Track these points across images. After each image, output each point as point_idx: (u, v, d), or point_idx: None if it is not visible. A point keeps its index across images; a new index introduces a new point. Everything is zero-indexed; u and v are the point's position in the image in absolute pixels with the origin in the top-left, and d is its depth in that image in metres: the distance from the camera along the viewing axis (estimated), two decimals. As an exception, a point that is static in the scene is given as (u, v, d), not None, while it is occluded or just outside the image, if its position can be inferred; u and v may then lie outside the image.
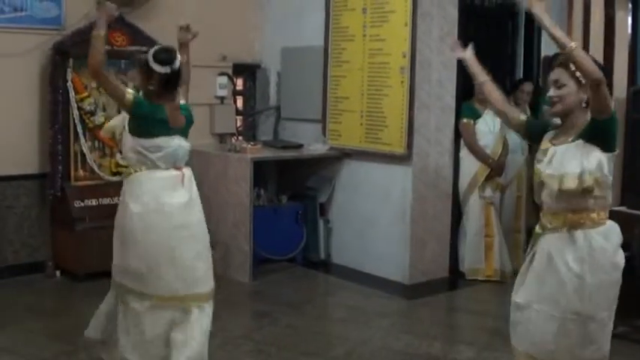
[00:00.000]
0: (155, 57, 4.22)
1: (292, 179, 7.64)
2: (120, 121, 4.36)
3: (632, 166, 5.54)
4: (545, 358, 3.50)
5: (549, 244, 3.49)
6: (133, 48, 6.80)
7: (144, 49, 6.77)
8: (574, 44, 3.25)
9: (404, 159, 6.53)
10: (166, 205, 4.22)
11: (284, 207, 7.41)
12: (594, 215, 3.45)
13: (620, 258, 3.57)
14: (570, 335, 3.45)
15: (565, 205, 3.44)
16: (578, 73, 3.41)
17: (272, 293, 6.52)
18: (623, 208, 5.46)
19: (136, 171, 4.24)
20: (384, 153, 6.70)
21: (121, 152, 4.53)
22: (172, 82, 4.28)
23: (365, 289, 6.63)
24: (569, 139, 3.46)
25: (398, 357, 5.15)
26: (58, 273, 6.71)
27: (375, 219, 6.82)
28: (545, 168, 3.46)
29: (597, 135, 3.38)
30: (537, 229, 3.63)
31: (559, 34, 3.28)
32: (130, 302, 4.23)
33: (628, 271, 5.77)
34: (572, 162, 3.38)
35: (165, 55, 4.25)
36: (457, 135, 6.89)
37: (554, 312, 3.43)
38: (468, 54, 3.91)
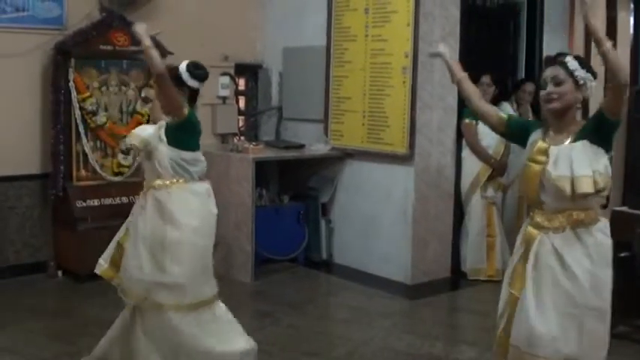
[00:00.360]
0: (192, 72, 4.34)
1: (294, 179, 7.63)
2: (154, 131, 4.34)
3: (634, 166, 5.54)
4: None
5: (556, 244, 3.43)
6: (135, 48, 6.81)
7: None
8: (610, 44, 3.25)
9: (406, 159, 6.53)
10: (212, 216, 4.41)
11: (286, 207, 7.41)
12: (593, 213, 3.45)
13: None
14: (593, 333, 3.41)
15: (571, 204, 3.41)
16: (576, 73, 3.43)
17: (274, 293, 6.51)
18: (624, 208, 5.47)
19: (172, 182, 4.27)
20: (386, 153, 6.69)
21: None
22: (196, 98, 4.44)
23: (367, 289, 6.62)
24: (568, 139, 3.45)
25: (400, 357, 5.15)
26: (59, 273, 6.71)
27: (377, 219, 6.82)
28: (553, 169, 3.40)
29: (603, 134, 3.37)
30: (530, 228, 3.56)
31: (601, 34, 3.27)
32: (159, 316, 4.25)
33: (629, 271, 5.80)
34: (582, 164, 3.34)
35: (202, 72, 4.41)
36: (459, 135, 6.89)
37: (574, 310, 3.37)
38: (443, 48, 3.98)
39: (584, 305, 3.38)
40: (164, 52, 6.84)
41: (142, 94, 6.90)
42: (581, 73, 3.45)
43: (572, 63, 3.47)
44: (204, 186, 4.41)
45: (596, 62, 5.65)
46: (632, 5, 5.73)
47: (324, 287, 7.07)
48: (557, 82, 3.46)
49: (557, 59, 3.51)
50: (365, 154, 6.93)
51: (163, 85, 4.16)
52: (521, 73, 8.24)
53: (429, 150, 6.58)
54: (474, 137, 6.84)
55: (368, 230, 6.92)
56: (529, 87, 7.38)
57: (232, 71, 7.80)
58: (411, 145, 6.47)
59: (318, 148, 7.28)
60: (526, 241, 3.58)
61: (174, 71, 4.35)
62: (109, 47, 6.68)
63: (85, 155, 6.70)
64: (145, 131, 4.36)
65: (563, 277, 3.40)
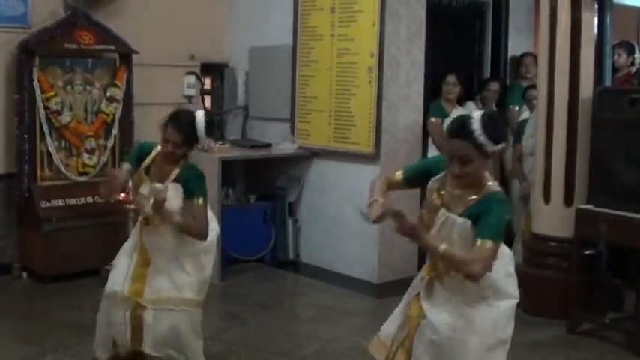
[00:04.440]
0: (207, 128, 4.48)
1: (261, 179, 7.62)
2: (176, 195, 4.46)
3: (598, 166, 5.60)
4: None
5: (453, 286, 3.30)
6: (100, 47, 6.76)
7: (111, 47, 6.80)
8: (444, 246, 3.09)
9: (372, 158, 6.55)
10: None
11: (252, 207, 7.39)
12: None
13: None
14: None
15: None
16: (485, 148, 3.08)
17: (241, 293, 6.49)
18: (589, 207, 5.53)
19: None
20: (352, 152, 6.71)
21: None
22: None
23: (334, 288, 6.64)
24: (461, 206, 3.25)
25: (367, 356, 5.11)
26: (24, 274, 6.63)
27: (344, 218, 6.82)
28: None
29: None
30: (427, 272, 3.43)
31: (433, 242, 3.14)
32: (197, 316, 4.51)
33: (594, 269, 5.86)
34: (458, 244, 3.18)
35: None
36: (425, 134, 6.91)
37: (489, 339, 3.30)
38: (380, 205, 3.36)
39: (495, 336, 3.32)
40: (129, 51, 6.83)
41: (107, 94, 6.83)
42: (488, 144, 3.07)
43: (479, 135, 3.07)
44: None
45: (560, 59, 5.74)
46: (596, 6, 5.80)
47: (292, 287, 7.08)
48: (466, 162, 3.12)
49: (464, 131, 3.10)
50: (331, 154, 6.93)
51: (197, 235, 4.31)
52: (487, 73, 8.29)
53: (396, 149, 6.60)
54: (440, 136, 6.86)
55: (335, 229, 6.93)
56: (494, 86, 7.45)
57: (198, 70, 7.76)
58: (377, 144, 6.49)
59: (284, 147, 7.27)
60: (423, 279, 3.47)
61: (189, 126, 4.34)
62: (74, 46, 6.61)
63: (50, 155, 6.61)
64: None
65: (475, 313, 3.29)
